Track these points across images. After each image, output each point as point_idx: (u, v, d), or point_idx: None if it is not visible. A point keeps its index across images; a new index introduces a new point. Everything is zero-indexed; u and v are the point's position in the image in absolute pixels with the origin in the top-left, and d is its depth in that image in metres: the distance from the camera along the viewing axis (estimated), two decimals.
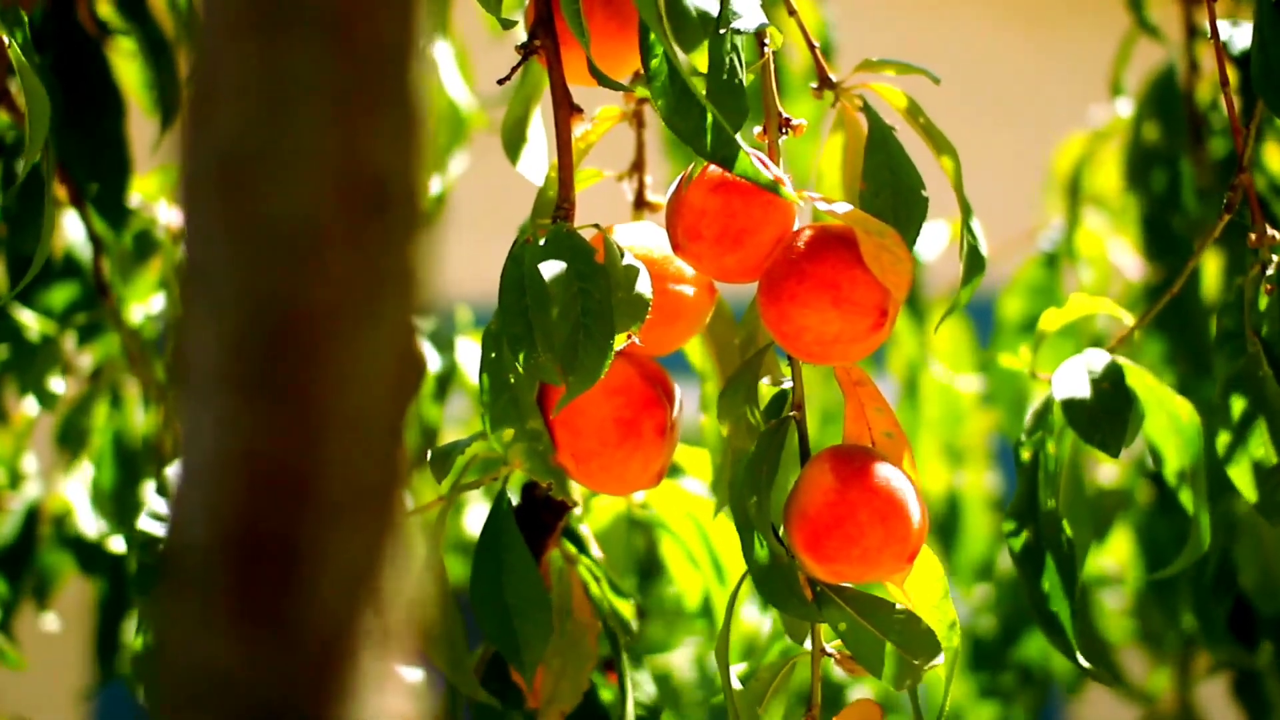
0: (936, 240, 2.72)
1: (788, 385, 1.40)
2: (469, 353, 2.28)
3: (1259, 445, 1.47)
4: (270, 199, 0.74)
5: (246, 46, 0.74)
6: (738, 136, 1.25)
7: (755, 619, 2.37)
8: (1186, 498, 1.48)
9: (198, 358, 0.74)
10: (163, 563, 0.75)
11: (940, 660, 1.33)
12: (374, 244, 0.75)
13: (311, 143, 0.74)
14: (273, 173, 0.74)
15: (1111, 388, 1.44)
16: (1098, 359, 1.47)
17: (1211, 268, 2.31)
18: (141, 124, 1.91)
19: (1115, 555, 2.70)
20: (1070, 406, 1.43)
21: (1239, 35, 1.93)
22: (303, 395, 0.74)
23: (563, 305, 1.27)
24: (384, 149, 0.76)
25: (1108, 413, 1.43)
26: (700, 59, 1.28)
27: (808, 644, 1.40)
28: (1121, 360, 1.47)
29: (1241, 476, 1.47)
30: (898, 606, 1.34)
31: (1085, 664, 1.46)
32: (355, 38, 0.75)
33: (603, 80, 1.35)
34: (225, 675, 0.73)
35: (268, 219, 0.73)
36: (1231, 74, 1.59)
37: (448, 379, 2.39)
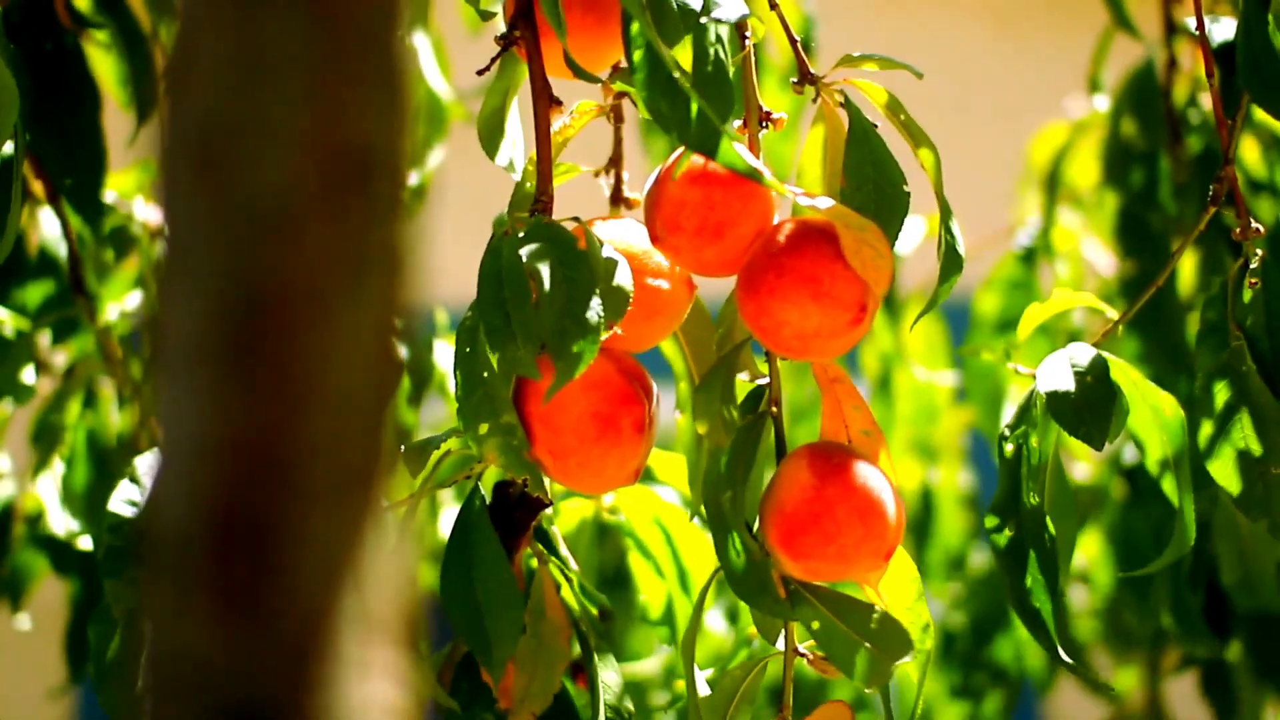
0: (912, 235, 2.72)
1: (764, 381, 1.39)
2: (445, 355, 2.27)
3: (1241, 439, 1.47)
4: (249, 174, 0.73)
5: (225, 19, 0.73)
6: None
7: (720, 629, 2.37)
8: (1171, 492, 1.48)
9: (176, 336, 0.73)
10: (139, 547, 0.74)
11: (909, 658, 1.32)
12: (355, 220, 0.74)
13: (291, 117, 0.73)
14: (252, 147, 0.73)
15: (1095, 381, 1.44)
16: (1081, 352, 1.46)
17: (1186, 264, 2.31)
18: (117, 119, 1.90)
19: (1085, 553, 2.70)
20: (1055, 399, 1.43)
21: (1218, 29, 1.93)
22: (282, 374, 0.73)
23: (548, 292, 1.26)
24: (366, 123, 0.75)
25: (1092, 405, 1.42)
26: (682, 52, 1.28)
27: (780, 644, 1.40)
28: (1105, 354, 1.47)
29: (1223, 471, 1.47)
30: (872, 606, 1.33)
31: (1068, 660, 1.45)
32: (336, 10, 0.74)
33: (579, 72, 1.34)
34: (203, 661, 0.72)
35: (247, 194, 0.72)
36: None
37: (424, 380, 2.37)
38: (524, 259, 1.28)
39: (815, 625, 1.34)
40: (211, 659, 0.72)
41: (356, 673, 0.72)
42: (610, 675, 1.47)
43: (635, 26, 1.25)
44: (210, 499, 0.72)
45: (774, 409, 1.39)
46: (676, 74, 1.23)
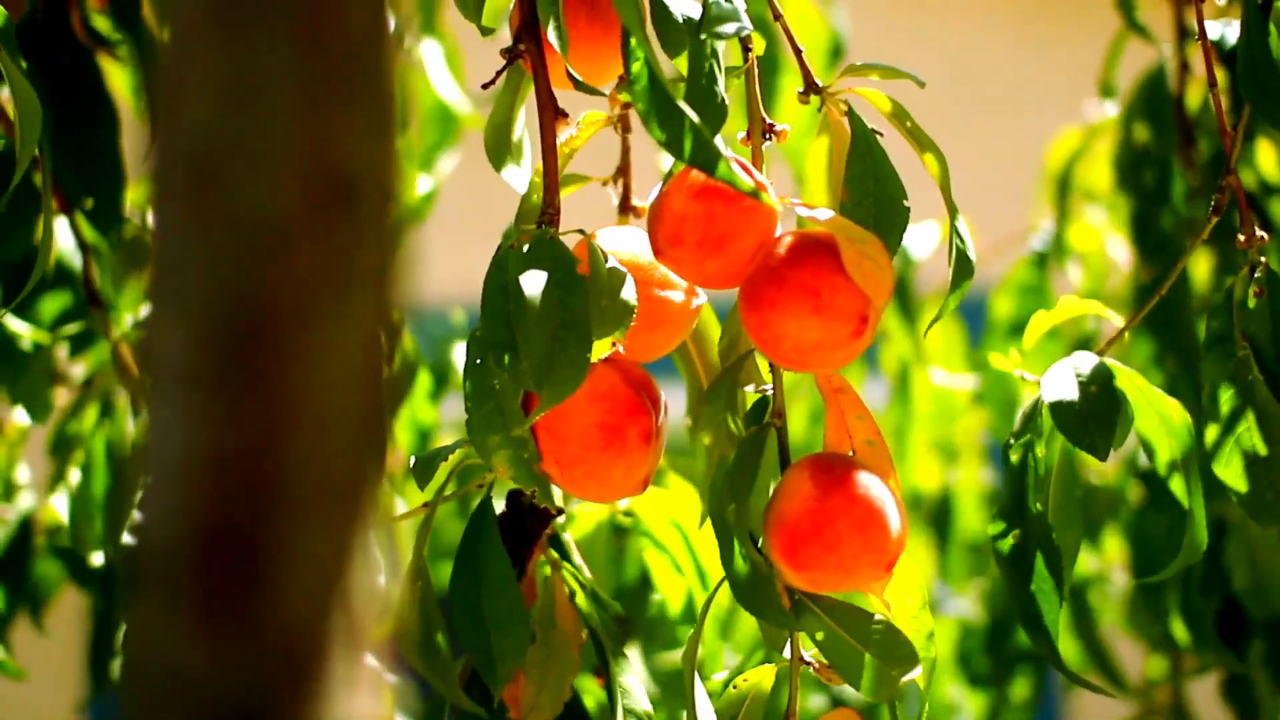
0: (928, 239, 2.73)
1: (769, 392, 1.40)
2: (462, 355, 2.28)
3: (1249, 447, 1.46)
4: (238, 194, 0.74)
5: (214, 41, 0.74)
6: (718, 141, 1.25)
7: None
8: (1181, 497, 1.48)
9: (165, 354, 0.74)
10: (131, 562, 0.74)
11: (918, 672, 1.33)
12: (342, 239, 0.75)
13: (279, 137, 0.74)
14: (240, 168, 0.74)
15: (1100, 391, 1.43)
16: (1086, 361, 1.46)
17: (1201, 267, 2.31)
18: (134, 132, 1.90)
19: (1108, 553, 2.70)
20: (1059, 409, 1.43)
21: (1230, 34, 1.93)
22: (270, 391, 0.73)
23: (541, 316, 1.27)
24: (353, 144, 0.75)
25: (1096, 416, 1.42)
26: (682, 64, 1.28)
27: (785, 653, 1.40)
28: (1110, 362, 1.46)
29: (1232, 478, 1.46)
30: (876, 616, 1.34)
31: (1069, 671, 1.46)
32: (324, 32, 0.75)
33: (580, 86, 1.35)
34: (192, 676, 0.72)
35: (235, 214, 0.73)
36: (1221, 75, 1.59)
37: (443, 380, 2.38)
38: (524, 279, 1.28)
39: (820, 636, 1.34)
40: (199, 673, 0.72)
41: (343, 687, 0.73)
42: (629, 679, 1.48)
43: (633, 41, 1.25)
44: (199, 515, 0.73)
45: (777, 420, 1.39)
46: (673, 91, 1.23)
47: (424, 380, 2.34)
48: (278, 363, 0.73)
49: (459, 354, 2.41)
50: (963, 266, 1.40)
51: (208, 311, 0.73)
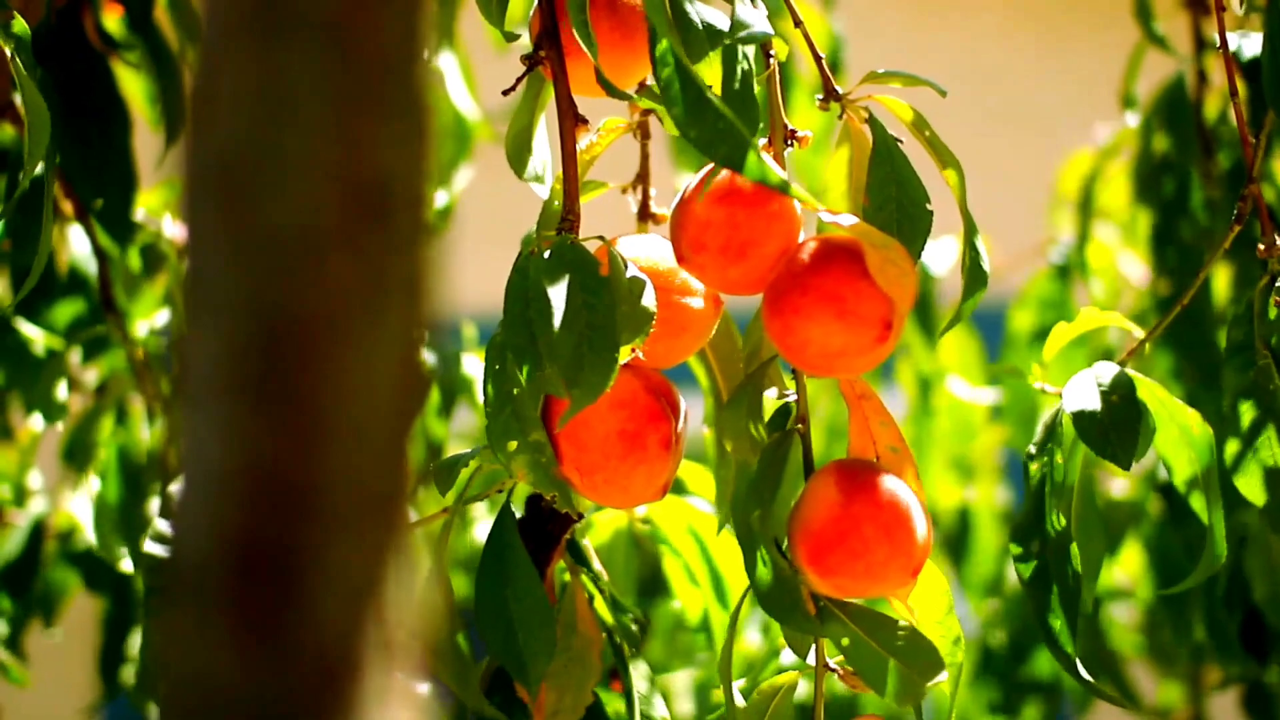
0: (948, 256, 2.72)
1: (792, 398, 1.39)
2: (474, 367, 2.28)
3: (1269, 456, 1.46)
4: (271, 205, 0.73)
5: (247, 51, 0.74)
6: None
7: (753, 640, 2.37)
8: (1200, 510, 1.47)
9: (199, 366, 0.73)
10: (164, 574, 0.74)
11: (943, 677, 1.33)
12: (376, 250, 0.74)
13: (313, 148, 0.74)
14: (274, 179, 0.73)
15: (1121, 400, 1.43)
16: (1107, 371, 1.46)
17: (1221, 280, 2.30)
18: (147, 138, 1.90)
19: (1126, 569, 2.69)
20: (1081, 419, 1.43)
21: (1247, 45, 1.93)
22: (304, 404, 0.73)
23: (567, 318, 1.27)
24: (386, 154, 0.75)
25: (1118, 425, 1.42)
26: (707, 69, 1.28)
27: (810, 659, 1.40)
28: (1131, 372, 1.46)
29: (1251, 487, 1.46)
30: (901, 623, 1.34)
31: (1087, 677, 1.45)
32: (357, 42, 0.74)
33: (610, 90, 1.34)
34: (226, 689, 0.72)
35: (269, 226, 0.73)
36: (1240, 85, 1.59)
37: (453, 393, 2.38)
38: (546, 282, 1.28)
39: (845, 642, 1.34)
40: (232, 685, 0.72)
41: (377, 699, 0.73)
42: (645, 685, 1.48)
43: (663, 44, 1.24)
44: (232, 526, 0.73)
45: (800, 426, 1.39)
46: (705, 91, 1.22)
47: (433, 392, 2.34)
48: (311, 374, 0.73)
49: (468, 366, 2.40)
50: (976, 277, 1.40)
51: (241, 323, 0.73)
